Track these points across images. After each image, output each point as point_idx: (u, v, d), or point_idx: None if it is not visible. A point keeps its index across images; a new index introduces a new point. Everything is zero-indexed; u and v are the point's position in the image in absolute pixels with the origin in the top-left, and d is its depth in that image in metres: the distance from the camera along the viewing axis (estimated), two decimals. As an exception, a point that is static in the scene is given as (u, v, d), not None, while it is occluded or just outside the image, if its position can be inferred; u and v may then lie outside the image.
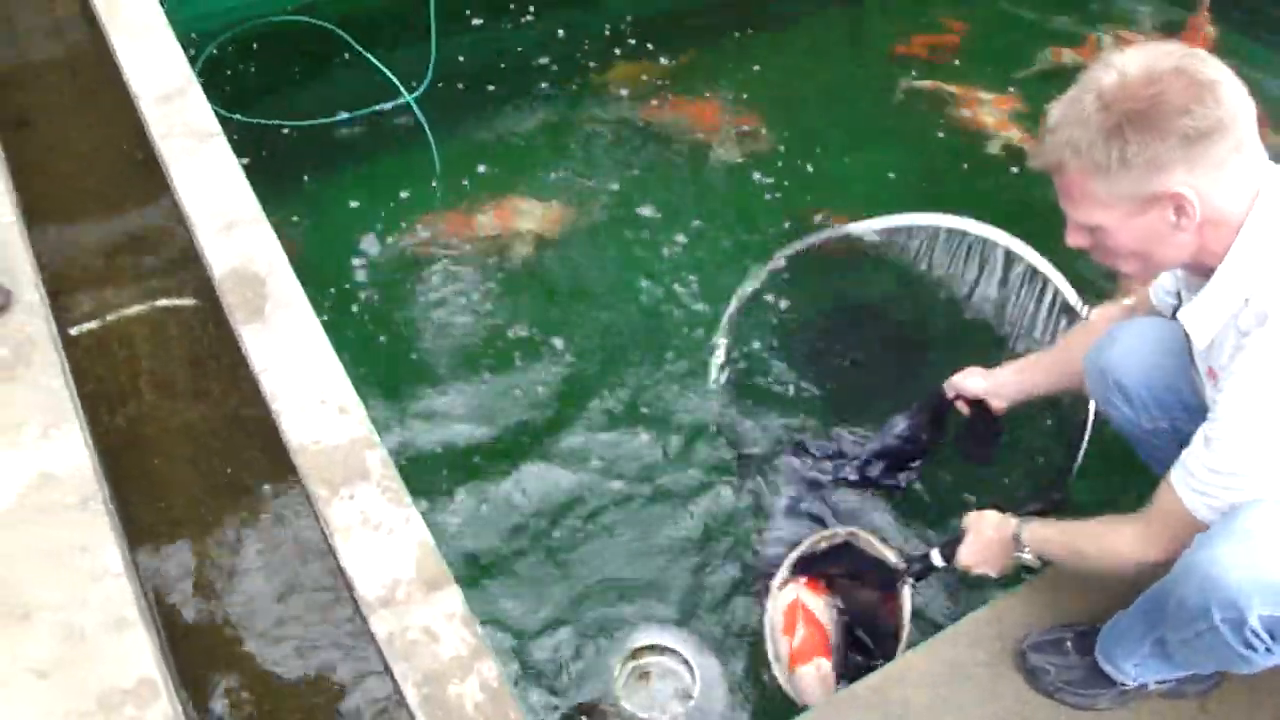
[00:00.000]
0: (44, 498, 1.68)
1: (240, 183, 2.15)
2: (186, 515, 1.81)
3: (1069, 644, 1.62)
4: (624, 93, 2.95)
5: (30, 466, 1.71)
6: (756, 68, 3.08)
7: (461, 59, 2.97)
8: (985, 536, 1.68)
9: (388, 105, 2.79)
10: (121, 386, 1.98)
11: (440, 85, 2.83)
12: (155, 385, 2.00)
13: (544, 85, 2.97)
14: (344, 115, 2.74)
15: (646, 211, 2.63)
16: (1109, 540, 1.47)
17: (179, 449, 1.92)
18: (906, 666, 1.64)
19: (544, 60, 3.05)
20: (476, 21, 3.10)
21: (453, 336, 2.33)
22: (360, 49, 2.89)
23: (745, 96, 2.94)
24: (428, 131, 2.77)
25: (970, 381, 1.95)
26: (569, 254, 2.51)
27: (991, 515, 1.69)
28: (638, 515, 2.06)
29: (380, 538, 1.66)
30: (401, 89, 2.80)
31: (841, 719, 1.59)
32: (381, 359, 2.26)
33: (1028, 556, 1.63)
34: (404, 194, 2.63)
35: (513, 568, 1.98)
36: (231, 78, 2.50)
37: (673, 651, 1.75)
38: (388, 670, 1.54)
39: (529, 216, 2.51)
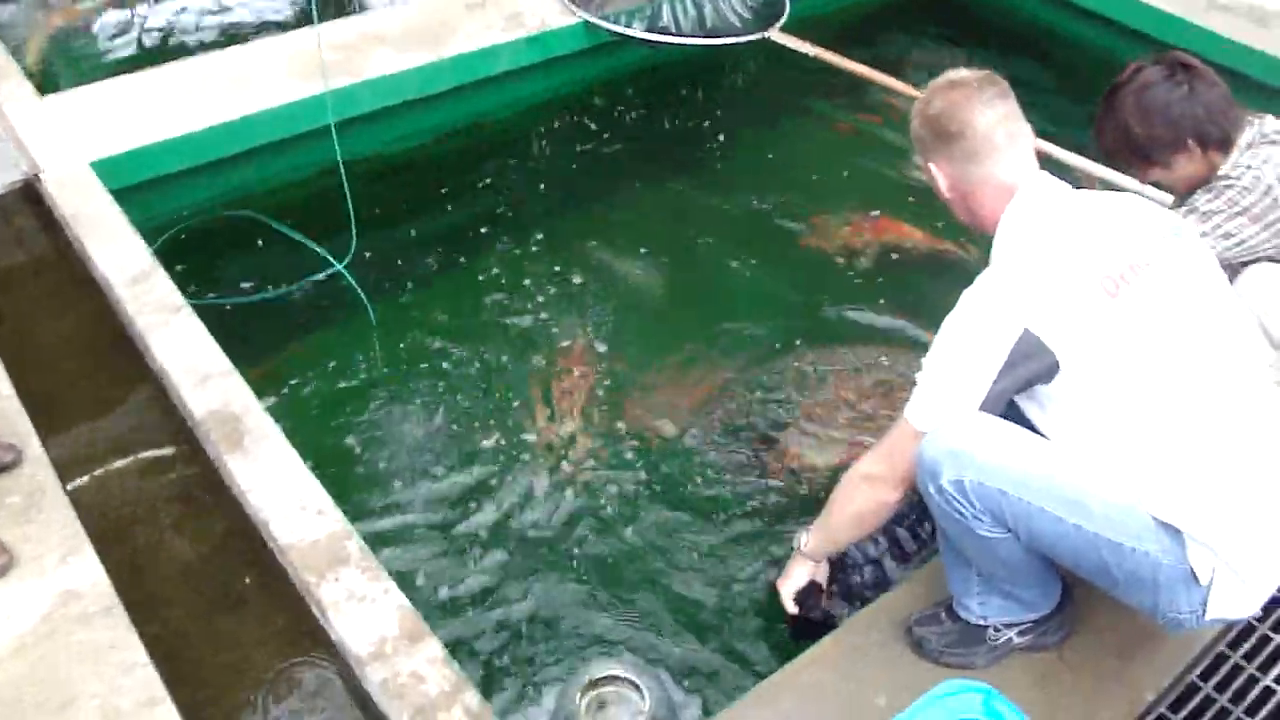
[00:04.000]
0: (72, 610, 2.08)
1: (210, 344, 2.64)
2: (189, 626, 2.18)
3: (943, 614, 2.11)
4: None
5: (56, 586, 2.12)
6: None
7: (388, 230, 3.49)
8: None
9: (321, 275, 3.27)
10: (120, 523, 2.38)
11: (368, 254, 3.32)
12: (146, 520, 2.42)
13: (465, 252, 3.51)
14: (285, 288, 3.21)
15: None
16: (851, 472, 2.05)
17: (173, 571, 2.30)
18: (817, 653, 2.09)
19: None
20: (399, 198, 3.64)
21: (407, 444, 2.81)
22: (287, 231, 3.39)
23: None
24: (360, 293, 3.25)
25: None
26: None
27: None
28: (586, 559, 2.56)
29: (365, 607, 2.09)
30: (330, 258, 3.30)
31: (766, 704, 1.99)
32: (347, 468, 2.72)
33: (799, 547, 2.21)
34: (346, 346, 3.10)
35: (481, 618, 2.42)
36: (178, 269, 2.97)
37: (625, 679, 2.15)
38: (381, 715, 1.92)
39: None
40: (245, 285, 3.27)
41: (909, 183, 3.82)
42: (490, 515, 2.68)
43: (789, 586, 2.26)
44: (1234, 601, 1.80)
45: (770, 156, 4.07)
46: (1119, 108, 2.36)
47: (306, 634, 2.18)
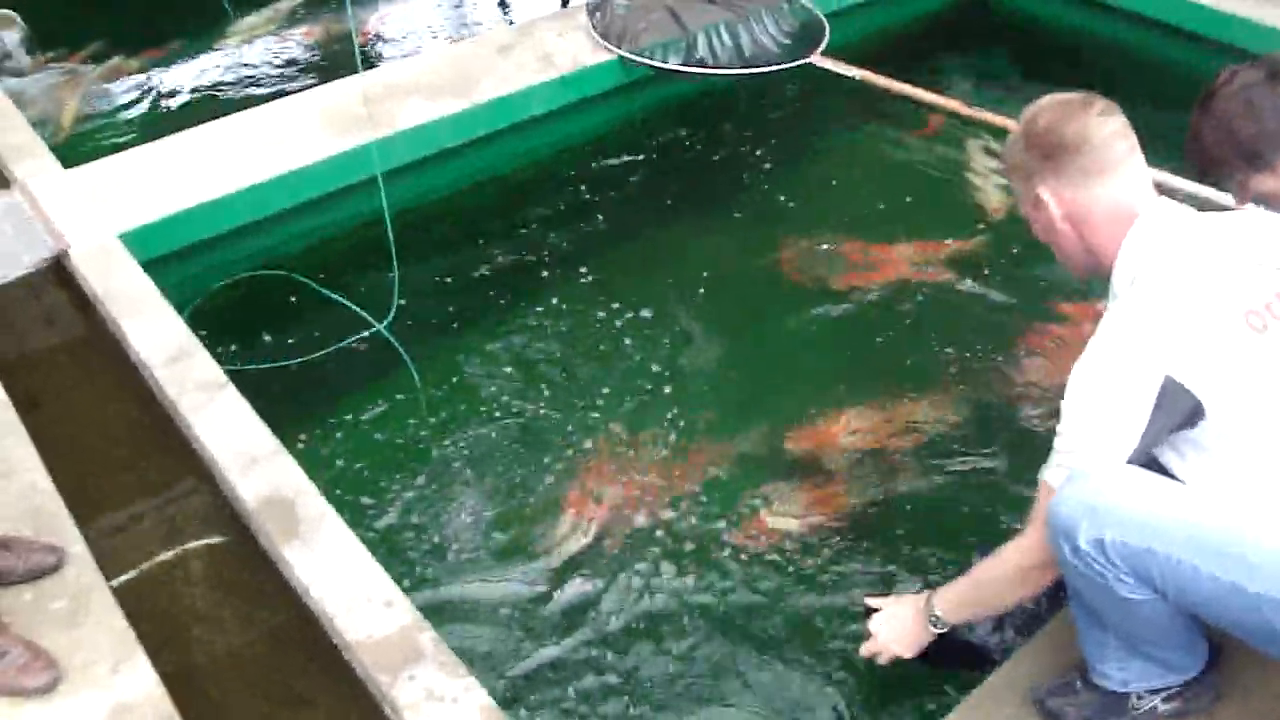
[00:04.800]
0: None
1: (255, 422, 2.49)
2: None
3: (1078, 683, 1.93)
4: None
5: (108, 700, 1.97)
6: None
7: (427, 283, 3.35)
8: (895, 609, 2.04)
9: (364, 334, 3.13)
10: (173, 625, 2.22)
11: (409, 309, 3.18)
12: (200, 618, 2.26)
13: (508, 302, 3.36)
14: (323, 352, 3.07)
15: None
16: (1003, 556, 1.82)
17: (231, 672, 2.14)
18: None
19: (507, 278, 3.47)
20: (436, 250, 3.50)
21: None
22: (325, 290, 3.26)
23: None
24: (403, 353, 3.10)
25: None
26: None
27: (907, 596, 2.05)
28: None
29: (446, 707, 1.93)
30: (370, 319, 3.16)
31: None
32: (399, 544, 2.57)
33: (940, 617, 1.95)
34: (389, 411, 2.95)
35: (563, 706, 2.25)
36: (215, 335, 2.83)
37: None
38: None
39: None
40: (284, 348, 3.12)
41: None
42: (559, 588, 2.52)
43: (912, 648, 2.02)
44: None
45: (820, 184, 3.92)
46: (1219, 110, 2.18)
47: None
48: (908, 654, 2.02)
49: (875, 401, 2.95)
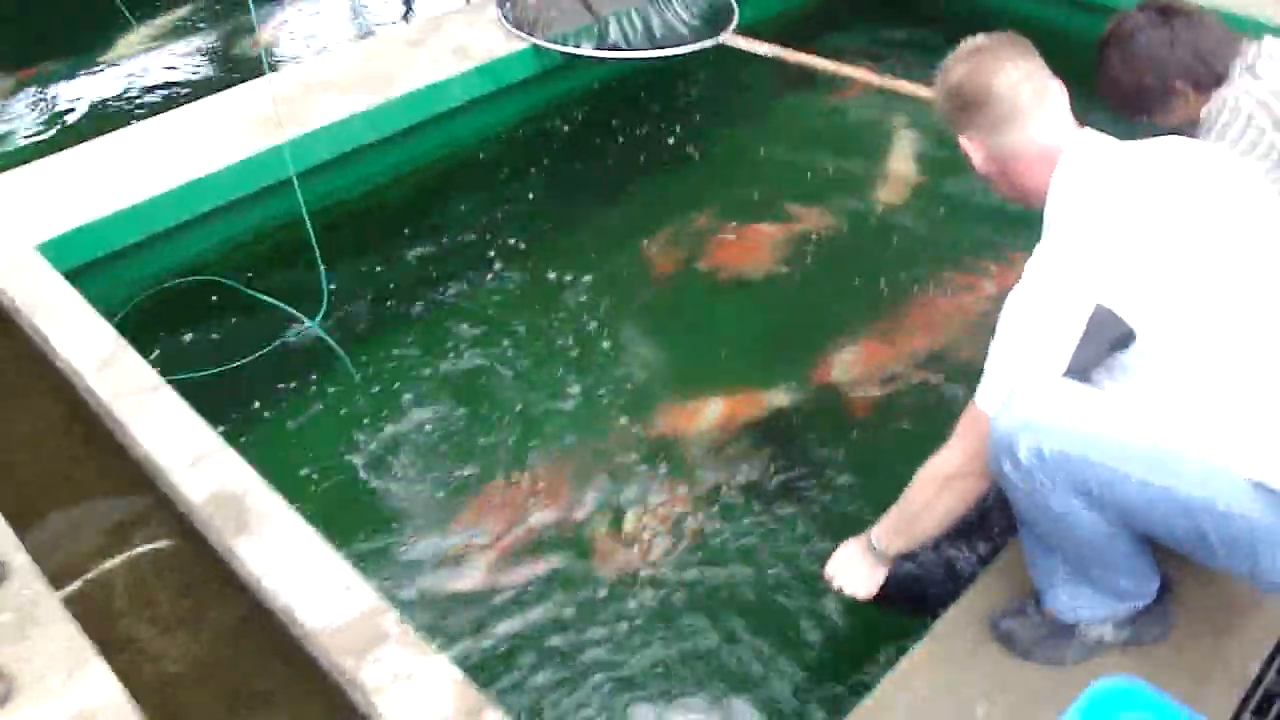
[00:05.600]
0: None
1: (196, 421, 2.44)
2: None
3: (1030, 608, 1.98)
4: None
5: (67, 709, 1.90)
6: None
7: (356, 278, 3.31)
8: (843, 552, 2.10)
9: (294, 335, 3.08)
10: (125, 628, 2.17)
11: (340, 305, 3.14)
12: (153, 622, 2.21)
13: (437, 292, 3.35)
14: (256, 354, 3.03)
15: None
16: (926, 471, 1.90)
17: (190, 675, 2.11)
18: (908, 667, 1.95)
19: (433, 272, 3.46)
20: (363, 246, 3.46)
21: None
22: (253, 291, 3.20)
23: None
24: (336, 348, 3.07)
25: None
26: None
27: (852, 539, 2.10)
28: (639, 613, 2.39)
29: (414, 685, 1.92)
30: (301, 315, 3.12)
31: (864, 730, 1.85)
32: (353, 536, 2.55)
33: (879, 548, 2.01)
34: (329, 406, 2.93)
35: (528, 676, 2.29)
36: (139, 346, 2.77)
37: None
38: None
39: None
40: (217, 353, 3.05)
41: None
42: (509, 569, 2.53)
43: (866, 587, 2.08)
44: None
45: (736, 157, 4.01)
46: (1106, 62, 2.30)
47: (350, 717, 1.99)
48: (862, 593, 2.07)
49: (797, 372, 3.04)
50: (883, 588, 2.07)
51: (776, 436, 2.83)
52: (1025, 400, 1.70)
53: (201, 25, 5.00)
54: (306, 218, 2.99)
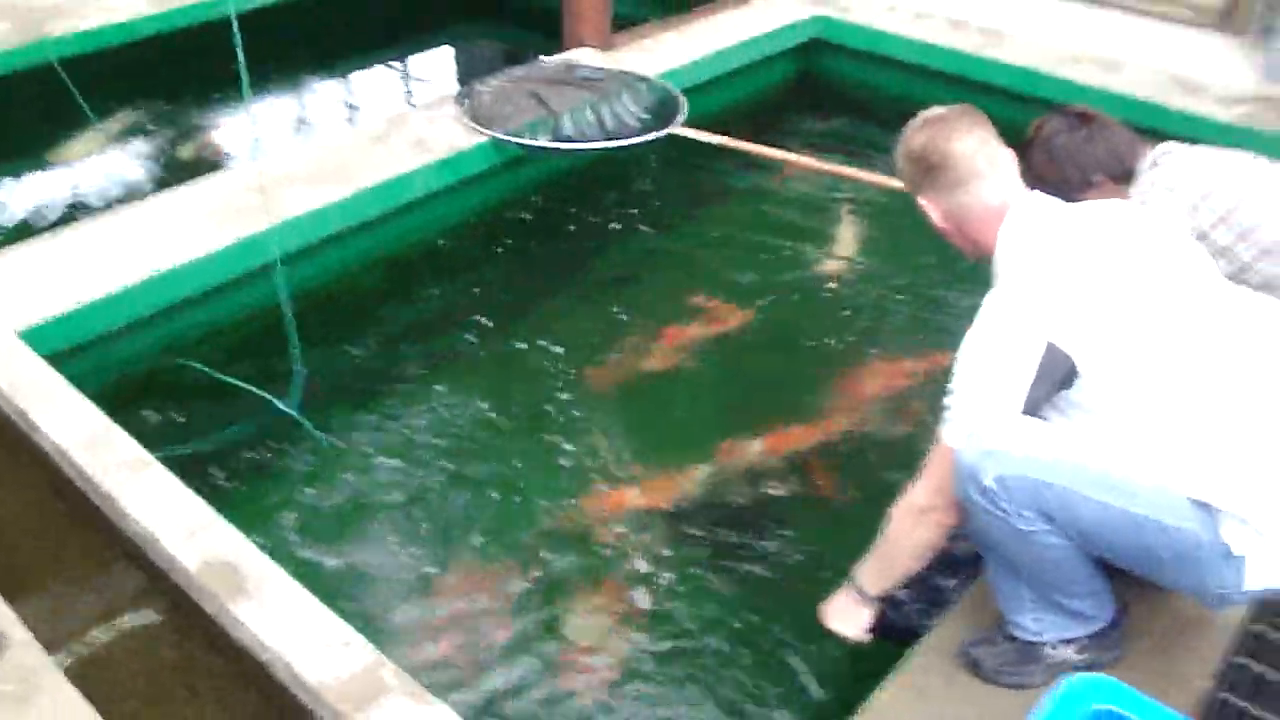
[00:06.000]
0: None
1: (188, 495, 2.51)
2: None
3: (999, 636, 2.10)
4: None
5: (76, 772, 1.91)
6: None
7: (327, 362, 3.41)
8: (834, 598, 2.25)
9: (267, 416, 3.16)
10: (129, 698, 2.20)
11: (314, 389, 3.24)
12: (153, 689, 2.26)
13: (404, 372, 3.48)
14: (231, 434, 3.10)
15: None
16: (901, 510, 2.05)
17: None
18: (882, 701, 2.05)
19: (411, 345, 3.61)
20: (333, 331, 3.56)
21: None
22: (230, 380, 3.28)
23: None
24: (309, 427, 3.16)
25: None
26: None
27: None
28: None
29: (420, 734, 1.95)
30: (276, 401, 3.19)
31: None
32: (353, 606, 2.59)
33: (862, 587, 2.17)
34: (303, 484, 3.03)
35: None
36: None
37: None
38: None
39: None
40: (193, 436, 3.11)
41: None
42: (508, 624, 2.64)
43: (856, 628, 2.22)
44: (1271, 569, 1.85)
45: (684, 244, 4.25)
46: (1031, 160, 2.53)
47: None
48: (852, 634, 2.21)
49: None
50: (876, 624, 2.20)
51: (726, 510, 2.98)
52: (988, 432, 1.86)
53: (155, 126, 5.12)
54: (285, 302, 3.09)
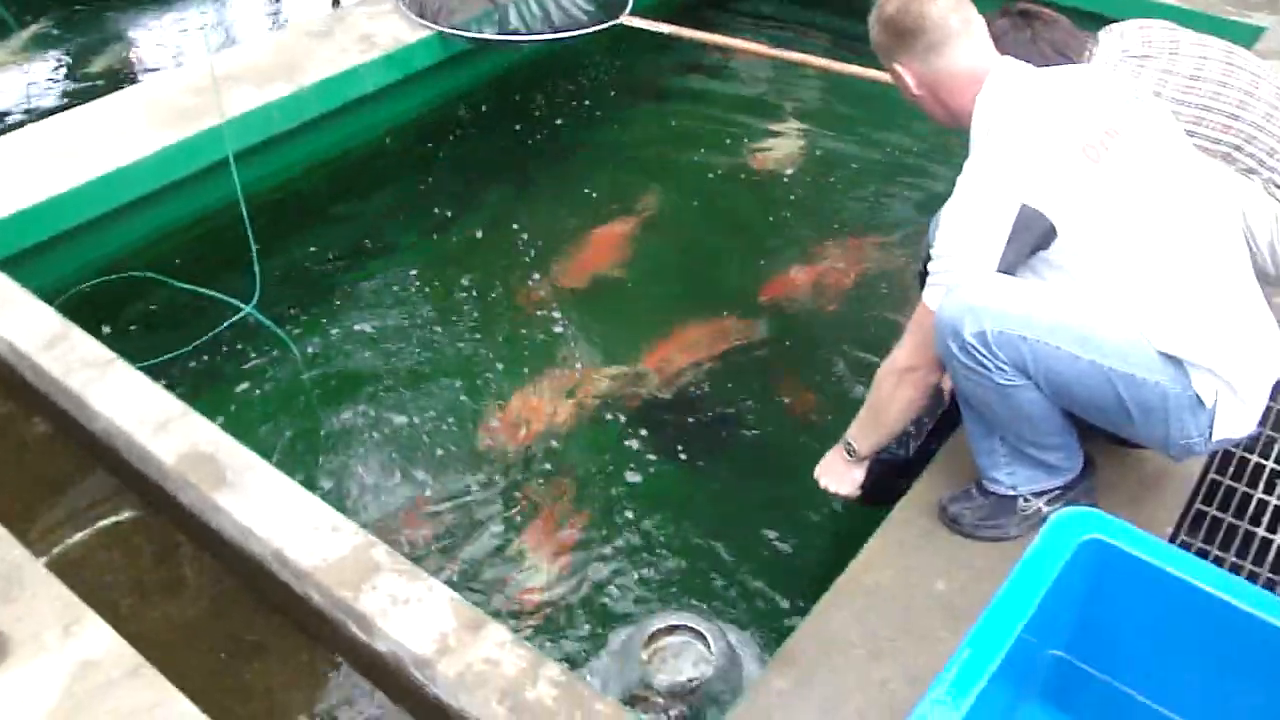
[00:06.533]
0: (95, 679, 1.90)
1: (156, 390, 2.46)
2: (210, 683, 2.02)
3: (974, 490, 2.18)
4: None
5: (68, 659, 1.92)
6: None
7: (280, 262, 3.34)
8: (826, 456, 2.31)
9: (231, 320, 3.09)
10: (112, 591, 2.19)
11: (274, 289, 3.17)
12: (137, 588, 2.22)
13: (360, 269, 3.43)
14: (196, 343, 3.03)
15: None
16: (885, 371, 2.11)
17: (183, 633, 2.13)
18: (867, 557, 2.10)
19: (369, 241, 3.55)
20: (287, 232, 3.47)
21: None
22: (184, 286, 3.20)
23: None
24: (277, 329, 3.09)
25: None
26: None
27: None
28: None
29: (413, 608, 1.99)
30: (237, 302, 3.12)
31: (831, 613, 1.99)
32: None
33: (852, 445, 2.23)
34: (278, 385, 3.00)
35: (516, 593, 2.42)
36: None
37: (685, 628, 2.11)
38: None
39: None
40: (156, 346, 3.02)
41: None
42: (494, 494, 2.66)
43: (849, 486, 2.28)
44: (1235, 421, 1.92)
45: (632, 142, 4.19)
46: None
47: (348, 652, 2.05)
48: (844, 490, 2.28)
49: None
50: (866, 484, 2.26)
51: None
52: (967, 290, 1.88)
53: (78, 33, 4.90)
54: (242, 200, 3.01)
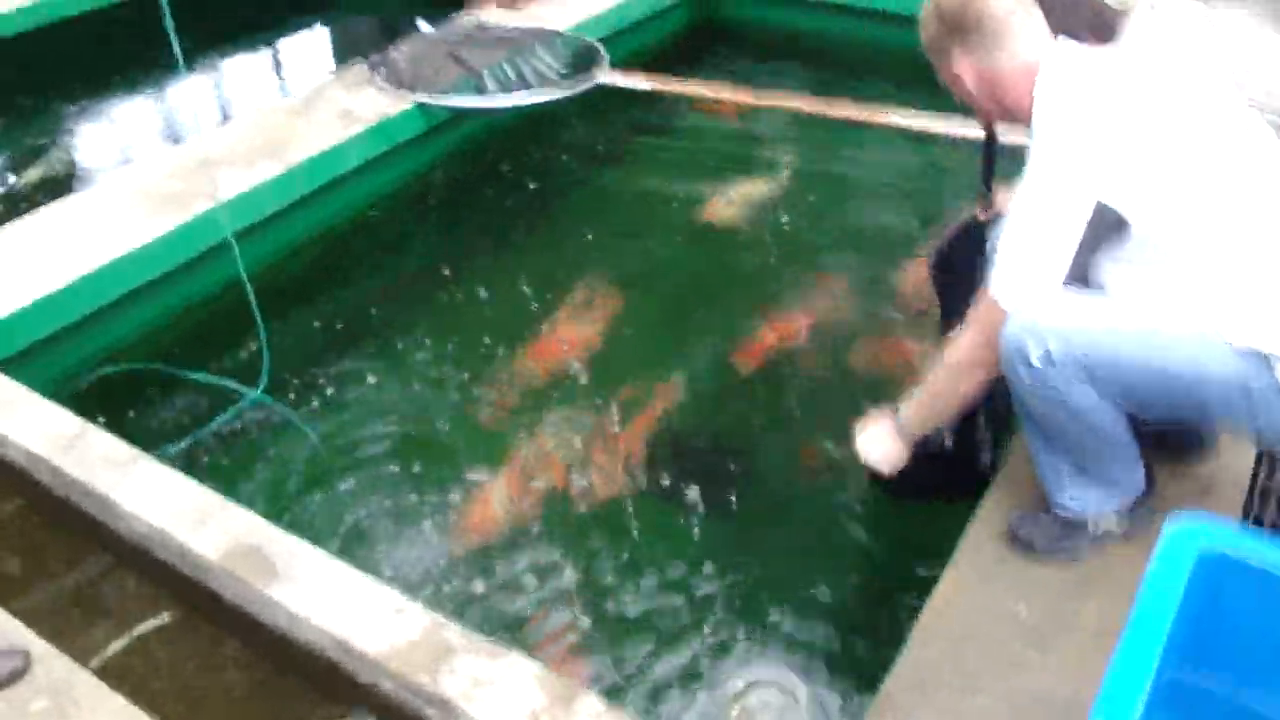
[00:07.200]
0: None
1: (188, 483, 2.34)
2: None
3: (1041, 514, 2.13)
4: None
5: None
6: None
7: (285, 343, 3.25)
8: (873, 428, 2.22)
9: (233, 411, 2.98)
10: (170, 699, 2.06)
11: (283, 365, 3.08)
12: (192, 688, 2.12)
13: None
14: (205, 430, 2.92)
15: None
16: (950, 358, 2.02)
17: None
18: (945, 592, 2.06)
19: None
20: (288, 311, 3.37)
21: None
22: (190, 375, 3.09)
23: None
24: (291, 415, 2.99)
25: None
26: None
27: (874, 412, 2.23)
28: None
29: (498, 688, 1.88)
30: (242, 389, 3.02)
31: (918, 652, 1.95)
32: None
33: (904, 424, 2.14)
34: (295, 469, 2.86)
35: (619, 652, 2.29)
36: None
37: (768, 683, 2.04)
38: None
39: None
40: (165, 437, 2.90)
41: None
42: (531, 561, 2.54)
43: (889, 462, 2.20)
44: None
45: (622, 186, 4.19)
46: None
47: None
48: (887, 467, 2.19)
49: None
50: (905, 469, 2.21)
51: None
52: (1028, 312, 1.85)
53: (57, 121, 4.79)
54: (246, 280, 2.92)
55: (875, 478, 2.34)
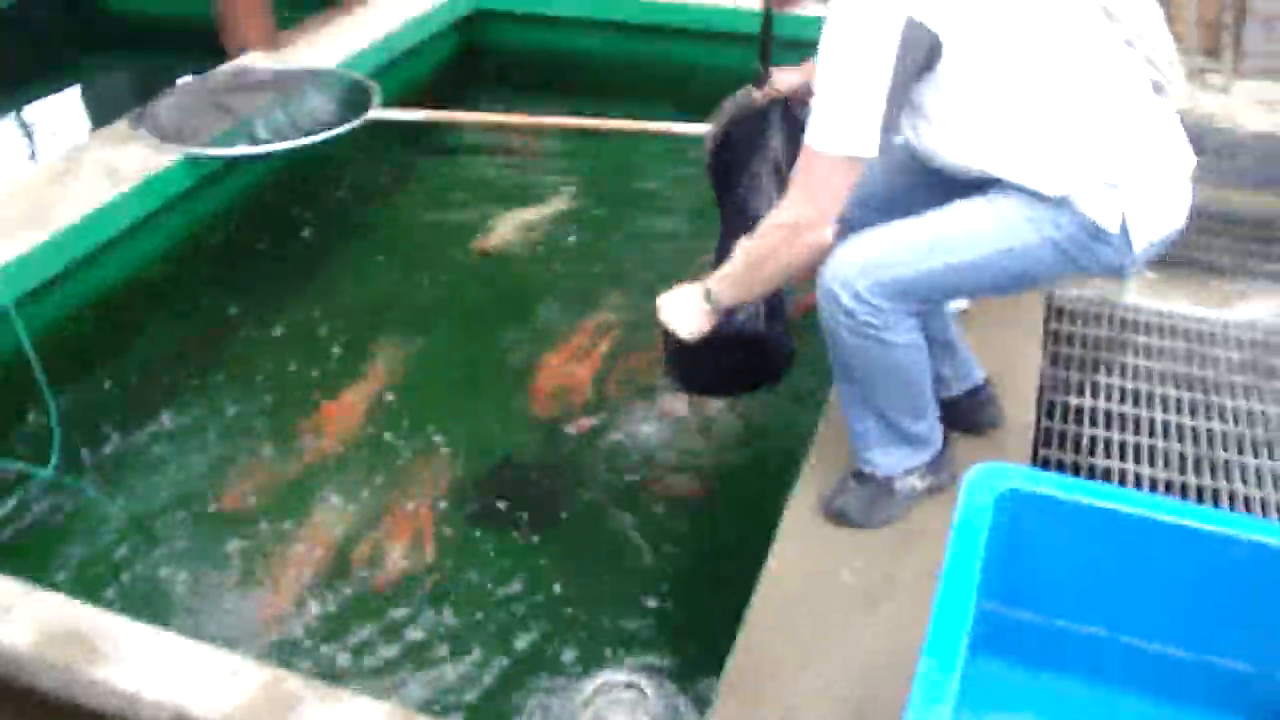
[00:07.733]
0: None
1: (-16, 574, 2.14)
2: None
3: (850, 481, 2.25)
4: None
5: None
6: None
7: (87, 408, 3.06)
8: (680, 293, 2.11)
9: (32, 484, 2.80)
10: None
11: (83, 441, 2.90)
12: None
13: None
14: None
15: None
16: (773, 223, 1.90)
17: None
18: (774, 569, 2.15)
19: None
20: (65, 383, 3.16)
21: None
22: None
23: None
24: (90, 490, 2.83)
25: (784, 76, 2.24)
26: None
27: (684, 283, 2.12)
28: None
29: (352, 729, 1.82)
30: (30, 469, 2.84)
31: (754, 634, 2.02)
32: None
33: (713, 294, 2.03)
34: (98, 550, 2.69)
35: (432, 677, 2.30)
36: None
37: (620, 683, 2.07)
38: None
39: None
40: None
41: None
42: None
43: (693, 330, 2.09)
44: (1156, 224, 1.89)
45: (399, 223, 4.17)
46: None
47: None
48: (685, 333, 2.09)
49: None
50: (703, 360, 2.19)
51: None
52: (831, 262, 1.92)
53: None
54: (32, 353, 2.73)
55: (673, 370, 2.27)
